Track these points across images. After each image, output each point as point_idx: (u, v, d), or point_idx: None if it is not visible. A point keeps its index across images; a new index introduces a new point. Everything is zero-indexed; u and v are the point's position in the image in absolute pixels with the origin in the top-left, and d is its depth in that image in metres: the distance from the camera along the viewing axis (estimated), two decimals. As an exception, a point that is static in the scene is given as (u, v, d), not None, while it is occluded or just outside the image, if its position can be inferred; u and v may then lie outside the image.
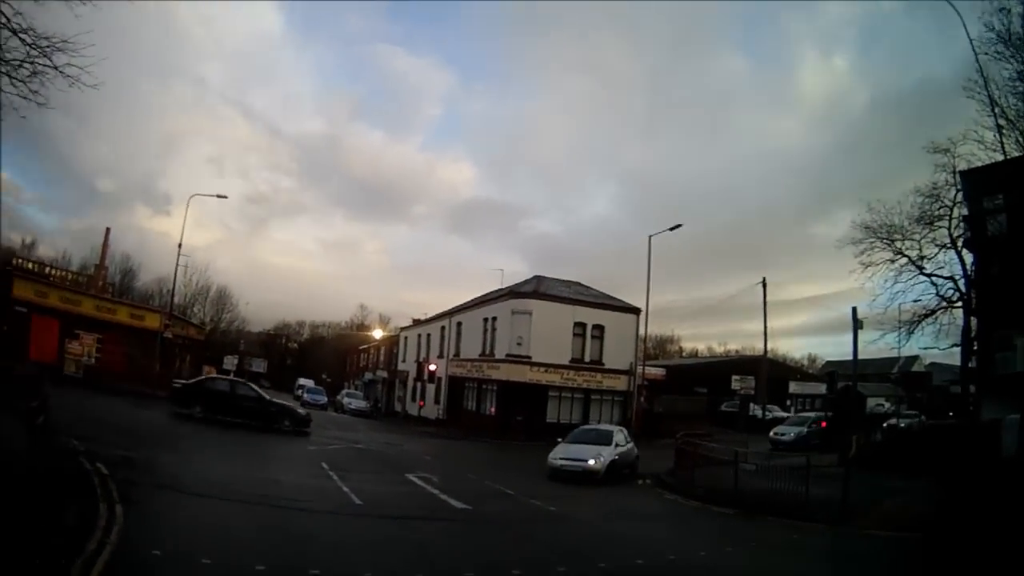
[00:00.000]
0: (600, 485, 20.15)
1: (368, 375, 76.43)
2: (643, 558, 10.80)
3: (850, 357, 18.52)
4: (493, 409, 41.19)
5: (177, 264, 42.22)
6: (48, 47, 14.41)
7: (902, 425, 33.48)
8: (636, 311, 41.98)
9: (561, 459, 20.97)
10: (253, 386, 29.59)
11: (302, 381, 63.12)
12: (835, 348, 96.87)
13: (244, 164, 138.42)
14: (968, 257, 28.64)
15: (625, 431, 24.88)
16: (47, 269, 42.40)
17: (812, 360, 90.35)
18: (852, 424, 21.42)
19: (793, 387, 58.22)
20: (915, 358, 51.97)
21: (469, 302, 50.46)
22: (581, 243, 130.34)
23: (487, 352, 43.12)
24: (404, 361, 60.67)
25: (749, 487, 17.75)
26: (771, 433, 34.62)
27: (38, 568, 6.68)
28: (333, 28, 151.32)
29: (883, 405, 49.09)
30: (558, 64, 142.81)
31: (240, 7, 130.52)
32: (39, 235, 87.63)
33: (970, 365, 28.78)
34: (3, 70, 14.32)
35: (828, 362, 71.02)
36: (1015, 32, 21.40)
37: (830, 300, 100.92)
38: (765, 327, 37.70)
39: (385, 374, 67.97)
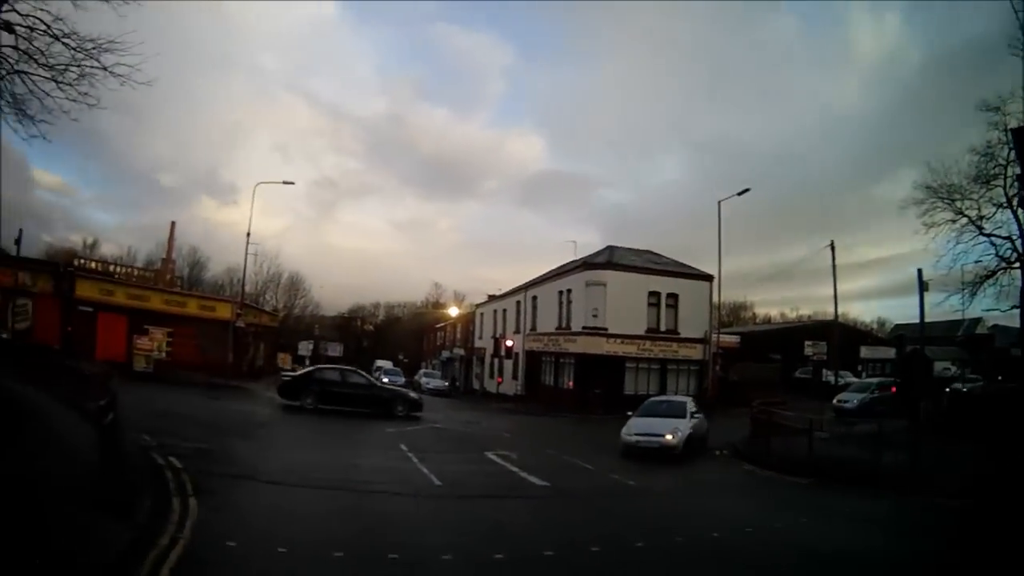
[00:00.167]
0: (677, 459, 19.76)
1: (445, 353, 77.43)
2: (719, 531, 10.97)
3: (918, 320, 17.99)
4: (571, 383, 41.71)
5: (246, 253, 43.18)
6: (94, 49, 14.79)
7: (964, 390, 32.53)
8: (709, 278, 41.85)
9: (636, 435, 20.37)
10: (363, 373, 30.53)
11: (379, 363, 64.13)
12: (903, 311, 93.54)
13: (309, 149, 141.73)
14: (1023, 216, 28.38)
15: (693, 401, 24.38)
16: (111, 267, 44.01)
17: (881, 324, 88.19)
18: (919, 389, 20.73)
19: (864, 351, 57.13)
20: (978, 320, 51.12)
21: (543, 275, 51.11)
22: (652, 211, 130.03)
23: (563, 325, 43.68)
24: (481, 338, 61.78)
25: (823, 455, 18.28)
26: (835, 400, 34.68)
27: (109, 566, 6.79)
28: (387, 9, 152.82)
29: (949, 369, 48.04)
30: (616, 33, 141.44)
31: None
32: (101, 234, 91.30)
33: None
34: (47, 75, 14.75)
35: (896, 325, 71.00)
36: None
37: (897, 262, 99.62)
38: (835, 291, 37.09)
39: (462, 352, 69.01)
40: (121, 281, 39.33)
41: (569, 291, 43.49)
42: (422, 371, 64.86)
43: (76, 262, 40.33)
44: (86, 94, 14.98)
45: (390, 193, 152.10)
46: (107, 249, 78.50)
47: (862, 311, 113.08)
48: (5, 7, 14.12)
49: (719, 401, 35.25)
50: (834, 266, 35.93)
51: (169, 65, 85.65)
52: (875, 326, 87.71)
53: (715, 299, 42.45)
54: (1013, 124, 26.57)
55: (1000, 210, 29.64)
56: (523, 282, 54.07)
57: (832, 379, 38.77)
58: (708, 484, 16.87)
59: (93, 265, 42.00)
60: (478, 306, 67.70)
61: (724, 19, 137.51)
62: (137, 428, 14.75)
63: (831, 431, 19.44)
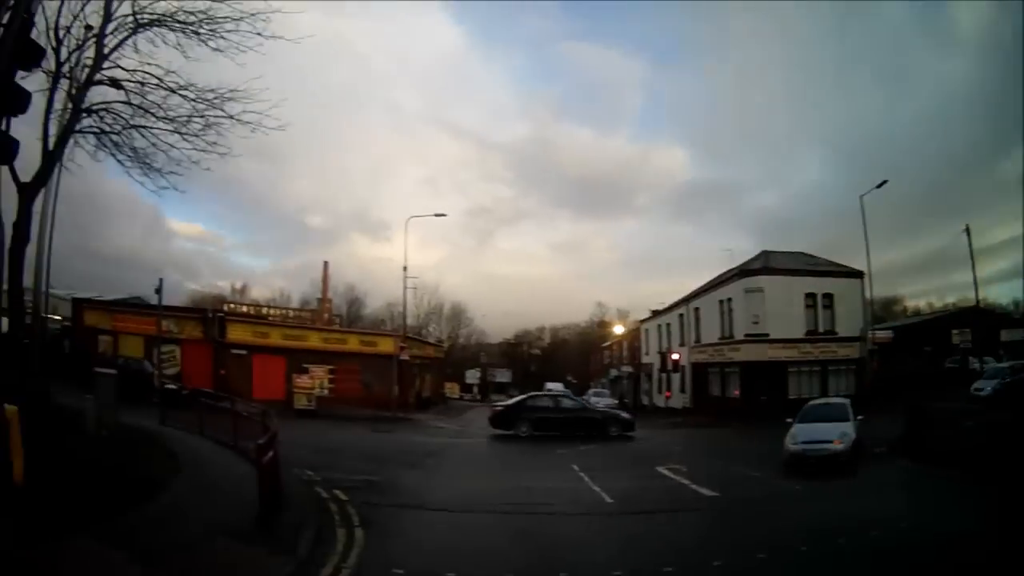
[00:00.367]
0: (844, 464, 18.58)
1: (613, 372, 78.13)
2: (879, 531, 10.87)
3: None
4: (737, 391, 42.66)
5: (405, 287, 44.66)
6: (215, 99, 15.31)
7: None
8: (860, 275, 41.82)
9: (803, 443, 18.87)
10: (575, 397, 32.04)
11: (549, 385, 64.51)
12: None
13: (459, 179, 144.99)
14: None
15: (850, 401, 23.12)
16: (264, 310, 46.60)
17: (1015, 304, 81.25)
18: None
19: (1004, 335, 53.17)
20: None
21: (703, 286, 52.24)
22: (800, 211, 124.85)
23: (726, 335, 44.88)
24: (647, 354, 63.34)
25: (976, 447, 17.51)
26: (971, 388, 32.75)
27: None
28: (513, 34, 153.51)
29: None
30: (738, 33, 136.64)
31: (416, 30, 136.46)
32: (250, 278, 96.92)
33: None
34: (168, 128, 15.33)
35: (1034, 306, 67.98)
36: None
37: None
38: (974, 276, 38.14)
39: (629, 368, 70.39)
40: (276, 323, 41.48)
41: (729, 300, 44.71)
42: (591, 391, 64.83)
43: (226, 307, 42.94)
44: (215, 143, 15.54)
45: (544, 216, 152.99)
46: (258, 292, 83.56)
47: (999, 294, 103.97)
48: (107, 64, 14.75)
49: (875, 398, 34.21)
50: (971, 250, 36.38)
51: (301, 108, 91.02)
52: (1011, 308, 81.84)
53: (866, 295, 42.50)
54: None
55: None
56: (684, 295, 55.41)
57: (978, 366, 37.78)
58: (867, 483, 16.77)
59: (244, 309, 44.59)
60: (642, 322, 68.99)
61: (839, 10, 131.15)
62: (300, 464, 15.33)
63: (976, 420, 19.16)
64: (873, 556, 9.63)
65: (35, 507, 7.94)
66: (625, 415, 30.71)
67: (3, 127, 7.09)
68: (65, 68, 14.22)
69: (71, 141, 14.76)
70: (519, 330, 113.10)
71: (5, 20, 6.70)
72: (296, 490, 12.79)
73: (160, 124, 15.32)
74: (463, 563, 8.99)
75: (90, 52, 14.46)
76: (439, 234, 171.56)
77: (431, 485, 15.68)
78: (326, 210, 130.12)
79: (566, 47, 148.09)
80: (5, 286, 11.53)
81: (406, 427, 29.32)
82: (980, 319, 38.80)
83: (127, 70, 14.98)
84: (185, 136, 15.42)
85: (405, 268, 42.81)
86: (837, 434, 18.65)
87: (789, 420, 20.85)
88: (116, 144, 15.39)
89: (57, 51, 13.96)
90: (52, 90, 14.11)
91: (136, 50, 14.97)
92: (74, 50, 14.37)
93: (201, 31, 15.06)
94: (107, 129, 15.20)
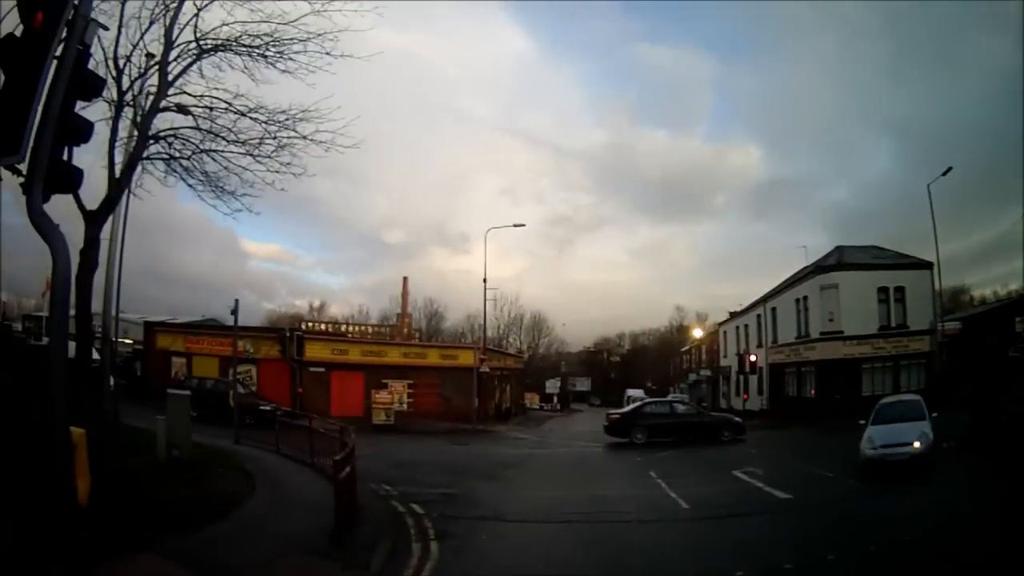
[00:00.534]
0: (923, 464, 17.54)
1: (692, 376, 77.94)
2: (947, 529, 11.09)
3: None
4: (812, 391, 42.52)
5: (485, 299, 45.51)
6: (287, 120, 15.49)
7: None
8: (929, 266, 41.01)
9: (881, 447, 17.61)
10: (689, 403, 33.18)
11: (630, 392, 64.38)
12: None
13: (537, 188, 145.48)
14: None
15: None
16: (343, 327, 47.43)
17: None
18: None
19: None
20: None
21: (779, 285, 52.30)
22: (870, 204, 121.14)
23: (802, 334, 44.96)
24: (726, 356, 63.75)
25: None
26: None
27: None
28: (581, 39, 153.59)
29: None
30: (801, 25, 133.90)
31: (483, 39, 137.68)
32: (328, 296, 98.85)
33: None
34: (240, 151, 15.55)
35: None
36: None
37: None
38: None
39: (708, 372, 70.75)
40: (354, 339, 42.08)
41: (805, 298, 44.81)
42: (670, 396, 64.45)
43: (304, 325, 43.78)
44: (288, 164, 15.72)
45: (623, 222, 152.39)
46: (337, 310, 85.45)
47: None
48: (172, 90, 15.01)
49: (941, 391, 32.74)
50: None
51: (375, 124, 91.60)
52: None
53: (936, 286, 41.60)
54: None
55: None
56: (761, 295, 55.49)
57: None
58: (939, 482, 16.55)
59: (323, 327, 45.46)
60: (720, 324, 69.28)
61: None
62: (377, 479, 15.53)
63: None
64: (939, 559, 9.62)
65: (97, 528, 8.10)
66: (736, 419, 31.48)
67: (66, 156, 7.26)
68: (128, 96, 14.44)
69: (139, 168, 15.04)
70: (599, 337, 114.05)
71: (59, 52, 6.89)
72: (372, 505, 13.01)
73: (231, 147, 15.39)
74: (538, 572, 9.19)
75: (153, 80, 14.63)
76: (519, 244, 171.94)
77: (508, 497, 15.71)
78: (404, 225, 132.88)
79: (639, 49, 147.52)
80: (73, 312, 11.83)
81: (485, 439, 29.45)
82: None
83: (193, 95, 15.11)
84: (258, 158, 15.48)
85: (485, 280, 43.70)
86: (917, 435, 17.46)
87: (862, 422, 19.81)
88: (186, 169, 15.56)
89: (118, 80, 14.18)
90: (116, 118, 14.35)
91: (202, 75, 15.11)
92: (136, 78, 14.59)
93: (268, 54, 15.15)
94: (176, 155, 15.36)
